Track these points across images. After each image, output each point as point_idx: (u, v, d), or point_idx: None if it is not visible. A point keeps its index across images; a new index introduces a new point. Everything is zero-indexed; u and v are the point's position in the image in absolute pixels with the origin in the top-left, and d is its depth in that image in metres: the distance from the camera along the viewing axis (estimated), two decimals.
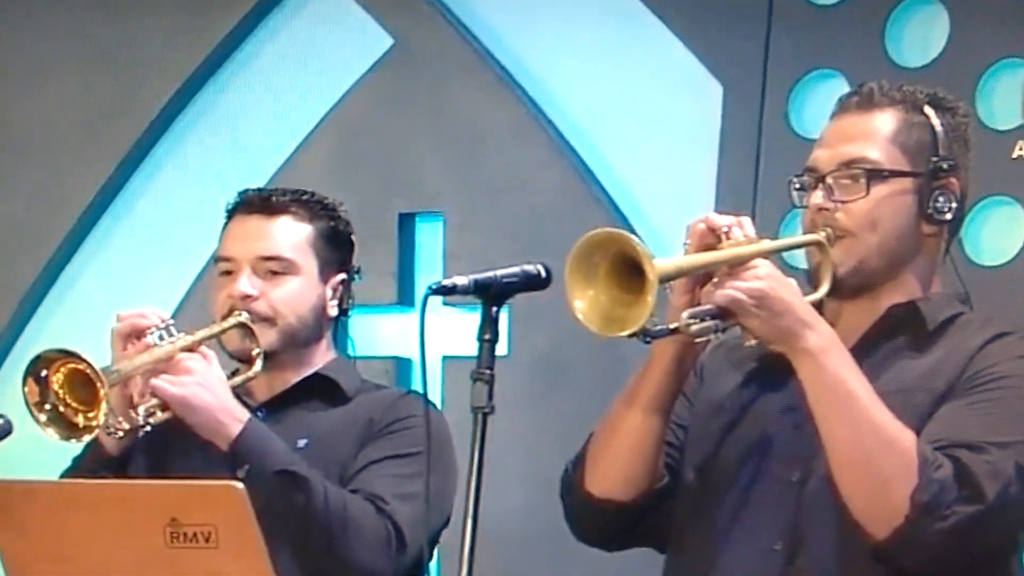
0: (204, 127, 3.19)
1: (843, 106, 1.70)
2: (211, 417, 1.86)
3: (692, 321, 1.57)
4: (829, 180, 1.66)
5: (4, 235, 3.20)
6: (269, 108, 3.15)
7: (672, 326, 1.58)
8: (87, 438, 1.85)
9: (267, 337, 1.95)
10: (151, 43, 3.16)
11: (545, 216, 2.93)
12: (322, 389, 2.00)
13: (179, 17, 3.14)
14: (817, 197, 1.66)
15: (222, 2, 3.13)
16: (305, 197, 2.02)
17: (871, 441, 1.54)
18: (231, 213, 2.02)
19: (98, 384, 1.81)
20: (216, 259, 2.02)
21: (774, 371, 1.65)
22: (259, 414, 1.96)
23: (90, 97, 3.18)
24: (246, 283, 1.95)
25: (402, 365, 2.99)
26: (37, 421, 1.83)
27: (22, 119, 3.21)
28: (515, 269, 1.63)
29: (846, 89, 1.77)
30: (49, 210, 3.19)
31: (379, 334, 3.01)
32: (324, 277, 2.00)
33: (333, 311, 2.01)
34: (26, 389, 1.83)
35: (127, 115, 3.16)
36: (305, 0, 3.15)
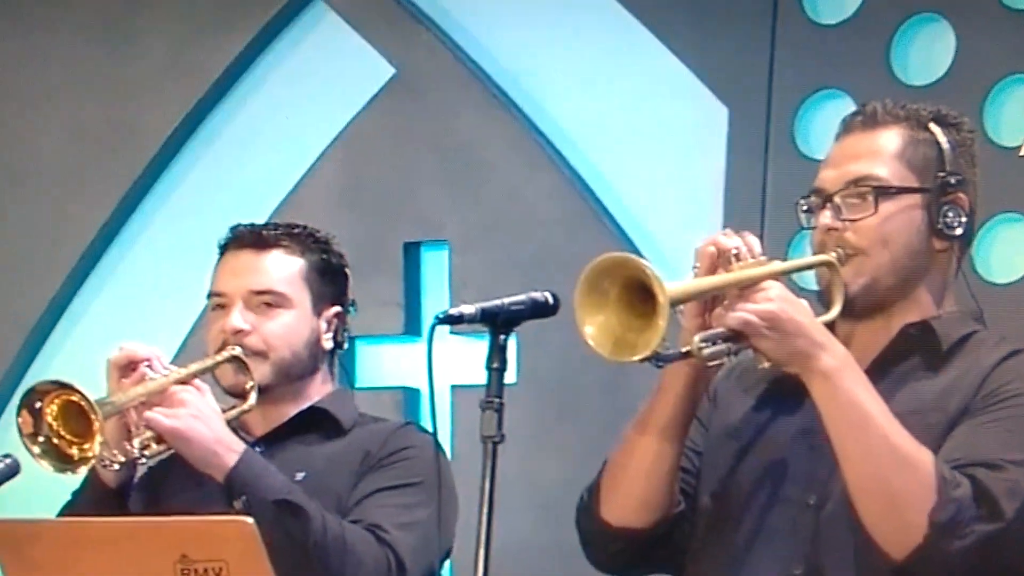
0: (206, 160, 3.21)
1: (847, 126, 1.71)
2: (206, 449, 1.87)
3: (704, 344, 1.58)
4: (837, 200, 1.67)
5: (8, 270, 3.21)
6: (271, 140, 3.17)
7: (684, 350, 1.59)
8: (82, 470, 1.86)
9: (260, 371, 1.96)
10: (152, 74, 3.19)
11: (551, 242, 2.94)
12: (319, 422, 2.01)
13: (179, 48, 3.17)
14: (825, 217, 1.67)
15: (222, 34, 3.16)
16: (296, 231, 2.04)
17: (888, 462, 1.55)
18: (223, 248, 2.04)
19: (92, 416, 1.82)
20: (209, 295, 2.04)
21: (788, 393, 1.65)
22: (256, 449, 1.97)
23: (91, 130, 3.20)
24: (238, 317, 1.97)
25: (410, 395, 3.00)
26: (31, 453, 1.84)
27: (23, 151, 3.23)
28: (522, 297, 1.64)
29: (852, 109, 1.78)
30: (53, 245, 3.20)
31: (386, 365, 3.02)
32: (317, 310, 2.01)
33: (328, 344, 2.02)
34: (20, 420, 1.84)
35: (129, 148, 3.18)
36: (306, 30, 3.17)
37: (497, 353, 1.61)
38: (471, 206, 3.03)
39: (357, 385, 3.00)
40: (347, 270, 2.05)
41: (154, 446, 1.88)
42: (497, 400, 1.59)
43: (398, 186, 3.07)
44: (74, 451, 1.83)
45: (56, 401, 1.83)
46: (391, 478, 1.92)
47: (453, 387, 2.89)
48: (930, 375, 1.64)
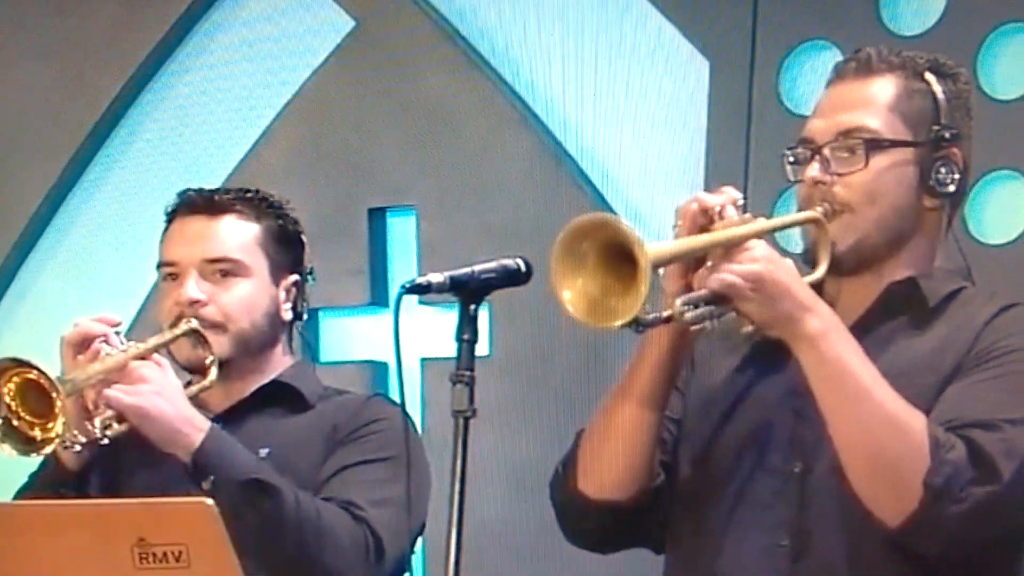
0: (157, 120, 3.18)
1: (839, 73, 1.70)
2: (170, 427, 1.86)
3: (686, 308, 1.58)
4: (826, 152, 1.66)
5: None
6: (225, 98, 3.15)
7: (665, 314, 1.59)
8: (47, 450, 1.84)
9: (219, 344, 1.95)
10: (100, 31, 3.16)
11: (523, 206, 2.94)
12: (282, 396, 2.00)
13: (128, 3, 3.14)
14: (813, 170, 1.67)
15: None
16: (249, 195, 2.02)
17: (879, 426, 1.55)
18: (172, 215, 2.02)
19: (54, 394, 1.80)
20: (159, 264, 2.01)
21: (771, 355, 1.65)
22: (217, 425, 1.96)
23: (35, 92, 3.17)
24: (193, 288, 1.95)
25: (378, 369, 3.00)
26: None
27: None
28: (493, 264, 1.63)
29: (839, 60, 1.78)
30: None
31: (352, 337, 3.02)
32: (276, 279, 2.00)
33: (287, 315, 2.01)
34: None
35: (75, 110, 3.16)
36: None
37: (468, 324, 1.60)
38: (439, 169, 3.02)
39: (322, 359, 3.00)
40: (303, 236, 2.04)
41: (116, 425, 1.86)
42: (468, 373, 1.58)
43: (361, 148, 3.06)
44: (36, 432, 1.82)
45: (14, 379, 1.81)
46: (362, 452, 1.91)
47: (423, 360, 2.90)
48: (918, 334, 1.64)
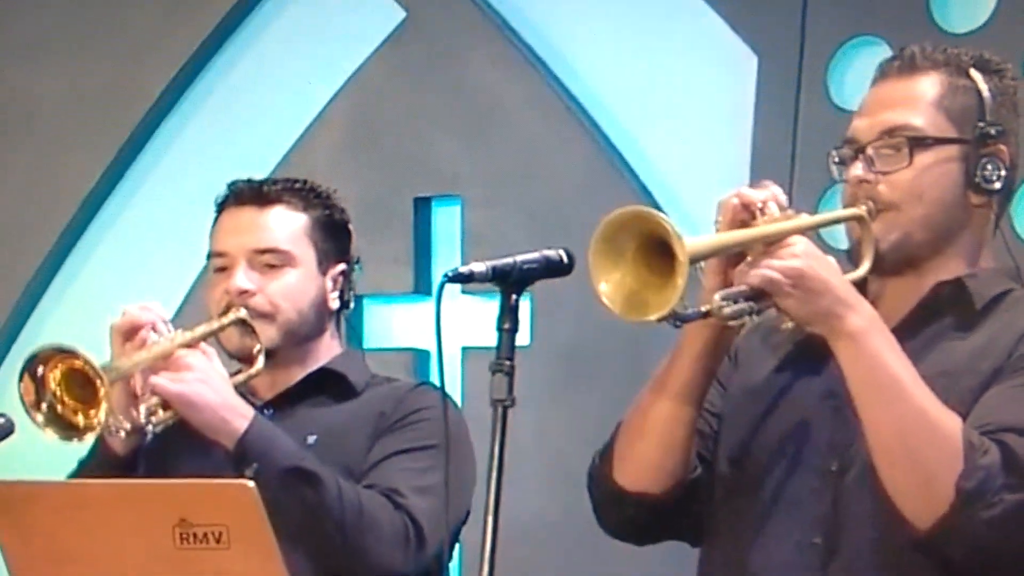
0: (207, 110, 3.20)
1: (884, 72, 1.69)
2: (214, 415, 1.88)
3: (725, 303, 1.57)
4: (870, 151, 1.66)
5: (1, 228, 3.23)
6: (275, 88, 3.16)
7: (703, 309, 1.58)
8: (88, 438, 1.87)
9: (267, 333, 1.96)
10: (150, 20, 3.18)
11: (568, 197, 2.93)
12: (329, 384, 2.01)
13: None
14: (857, 169, 1.66)
15: None
16: (298, 186, 2.04)
17: (914, 427, 1.54)
18: (221, 206, 2.04)
19: (98, 382, 1.83)
20: (209, 255, 2.04)
21: (812, 355, 1.65)
22: (265, 413, 1.98)
23: (87, 80, 3.20)
24: (242, 278, 1.97)
25: (420, 357, 3.01)
26: (34, 421, 1.85)
27: (15, 104, 3.23)
28: (535, 255, 1.63)
29: (889, 56, 1.77)
30: (47, 200, 3.21)
31: (395, 325, 3.03)
32: (323, 268, 2.01)
33: (334, 303, 2.02)
34: (22, 388, 1.85)
35: (126, 98, 3.18)
36: None
37: (509, 313, 1.61)
38: (485, 159, 3.02)
39: (365, 346, 3.01)
40: (350, 226, 2.06)
41: (161, 412, 1.89)
42: (508, 363, 1.59)
43: (409, 137, 3.06)
44: (79, 419, 1.85)
45: (59, 367, 1.84)
46: (406, 440, 1.92)
47: (464, 348, 2.90)
48: (962, 335, 1.63)
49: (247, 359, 1.97)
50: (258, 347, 1.96)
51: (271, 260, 1.98)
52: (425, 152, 3.05)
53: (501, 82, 3.01)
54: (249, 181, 2.05)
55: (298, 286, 1.98)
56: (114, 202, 3.24)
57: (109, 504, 1.68)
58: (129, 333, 1.91)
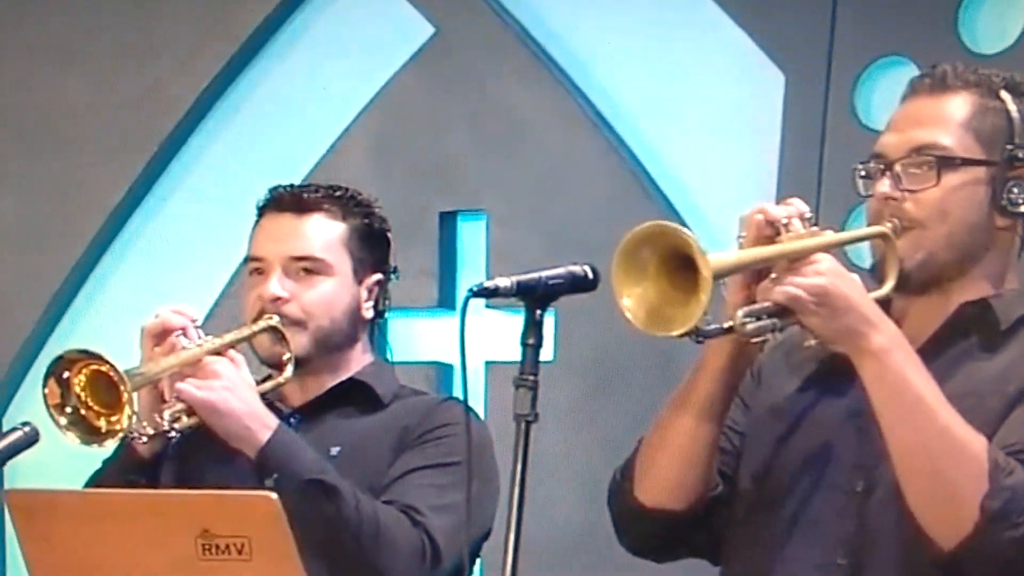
0: (237, 121, 3.22)
1: (914, 89, 1.69)
2: (239, 423, 1.88)
3: (747, 320, 1.57)
4: (897, 168, 1.65)
5: (31, 233, 3.25)
6: (304, 101, 3.18)
7: (726, 325, 1.58)
8: (109, 443, 1.87)
9: (298, 341, 1.96)
10: (182, 31, 3.20)
11: (594, 213, 2.93)
12: (357, 394, 2.01)
13: (211, 5, 3.19)
14: (884, 186, 1.65)
15: None
16: (338, 193, 2.04)
17: (939, 447, 1.54)
18: (261, 211, 2.04)
19: (121, 387, 1.83)
20: (247, 259, 2.04)
21: (836, 373, 1.64)
22: (292, 420, 1.98)
23: (119, 89, 3.22)
24: (276, 285, 1.97)
25: (444, 371, 3.01)
26: (57, 424, 1.85)
27: (47, 111, 3.25)
28: (560, 270, 1.64)
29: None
30: (77, 207, 3.23)
31: (419, 338, 3.03)
32: (359, 278, 2.01)
33: (368, 313, 2.02)
34: (46, 390, 1.85)
35: (157, 108, 3.21)
36: None
37: (533, 328, 1.61)
38: (511, 174, 3.03)
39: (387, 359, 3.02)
40: (389, 235, 2.05)
41: (185, 419, 1.89)
42: (532, 378, 1.59)
43: (435, 152, 3.07)
44: (102, 423, 1.85)
45: (84, 371, 1.85)
46: (429, 456, 1.92)
47: (487, 363, 2.90)
48: (987, 356, 1.62)
49: (278, 366, 1.97)
50: (288, 355, 1.96)
51: (306, 267, 1.98)
52: (451, 167, 3.06)
53: (528, 98, 3.01)
54: (291, 186, 2.05)
55: (332, 295, 1.98)
56: (143, 211, 3.26)
57: (132, 514, 1.68)
58: (160, 336, 1.91)
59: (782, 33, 2.86)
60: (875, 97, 2.78)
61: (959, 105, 1.65)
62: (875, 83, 2.79)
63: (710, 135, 2.92)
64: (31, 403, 2.96)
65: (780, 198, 2.75)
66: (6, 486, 2.86)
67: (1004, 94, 1.67)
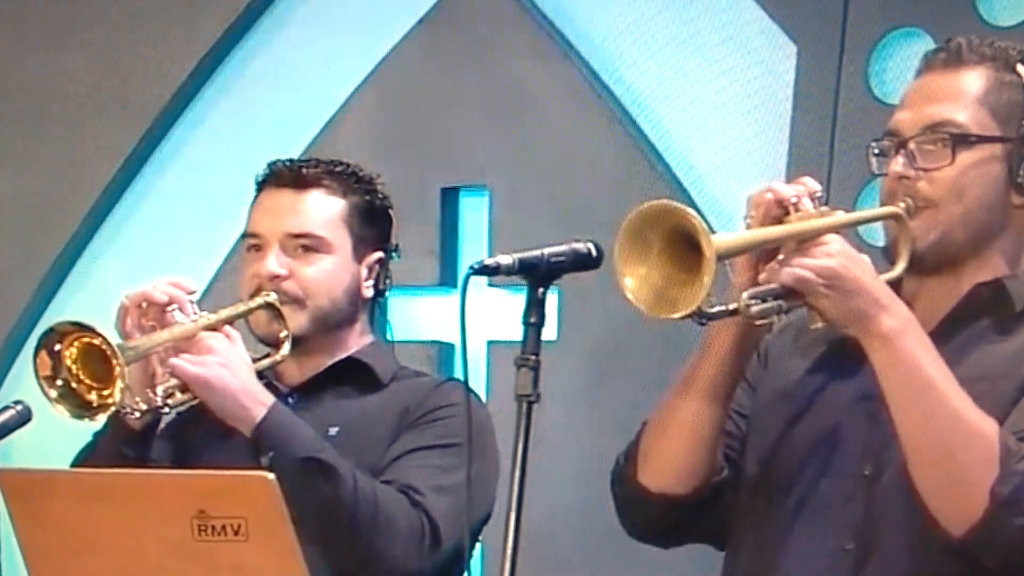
0: (235, 94, 3.22)
1: (928, 64, 1.67)
2: (233, 400, 1.87)
3: (753, 301, 1.56)
4: (911, 146, 1.64)
5: (25, 209, 3.25)
6: (304, 72, 3.17)
7: (731, 307, 1.57)
8: (101, 417, 1.87)
9: (296, 320, 1.96)
10: (177, 4, 3.20)
11: (599, 190, 2.92)
12: (356, 374, 2.01)
13: None
14: (898, 164, 1.64)
15: None
16: (339, 169, 2.03)
17: (949, 431, 1.53)
18: (260, 186, 2.03)
19: (114, 361, 1.82)
20: (244, 235, 2.03)
21: (845, 356, 1.63)
22: (290, 399, 1.98)
23: (112, 62, 3.22)
24: (274, 262, 1.97)
25: (444, 350, 3.01)
26: (47, 396, 1.85)
27: (40, 86, 3.25)
28: (563, 247, 1.63)
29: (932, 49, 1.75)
30: (71, 182, 3.23)
31: (420, 317, 3.03)
32: (359, 256, 2.00)
33: (368, 292, 2.01)
34: (37, 362, 1.85)
35: (152, 81, 3.20)
36: None
37: (535, 307, 1.61)
38: (515, 150, 3.01)
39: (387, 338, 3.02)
40: (391, 212, 2.04)
41: (179, 395, 1.89)
42: (533, 357, 1.58)
43: (437, 126, 3.06)
44: (93, 397, 1.85)
45: (76, 343, 1.84)
46: (429, 437, 1.92)
47: (489, 342, 2.90)
48: (1001, 338, 1.62)
49: (274, 344, 1.96)
50: (284, 333, 1.95)
51: (305, 244, 1.97)
52: (453, 141, 3.05)
53: (533, 71, 3.00)
54: (290, 161, 2.03)
55: (332, 273, 1.97)
56: (138, 186, 3.26)
57: (127, 495, 1.68)
58: (140, 307, 1.88)
59: (795, 5, 2.84)
60: (889, 70, 2.76)
61: (974, 80, 1.64)
62: (889, 56, 2.77)
63: (720, 109, 2.91)
64: (25, 380, 2.96)
65: (791, 172, 2.77)
66: None
67: (1021, 68, 1.65)
